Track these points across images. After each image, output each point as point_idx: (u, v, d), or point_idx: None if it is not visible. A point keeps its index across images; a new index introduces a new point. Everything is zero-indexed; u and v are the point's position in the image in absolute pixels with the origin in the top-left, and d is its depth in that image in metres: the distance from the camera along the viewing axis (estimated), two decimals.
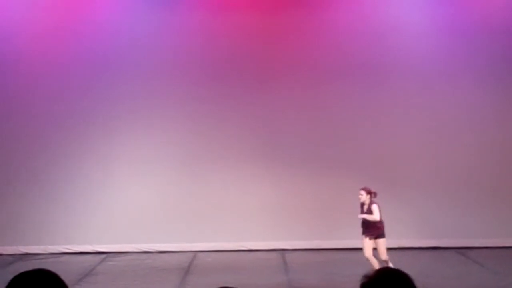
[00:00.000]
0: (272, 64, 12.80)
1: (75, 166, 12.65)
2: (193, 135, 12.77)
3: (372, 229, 9.50)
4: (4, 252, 12.35)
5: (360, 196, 9.60)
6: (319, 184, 12.64)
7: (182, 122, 12.85)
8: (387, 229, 9.55)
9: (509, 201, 12.53)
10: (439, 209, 12.59)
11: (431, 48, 12.83)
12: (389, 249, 9.58)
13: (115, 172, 12.69)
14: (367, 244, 9.54)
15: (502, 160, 12.76)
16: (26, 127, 12.67)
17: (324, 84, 12.77)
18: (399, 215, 11.81)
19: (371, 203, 9.54)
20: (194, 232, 12.52)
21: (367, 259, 9.43)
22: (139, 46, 12.76)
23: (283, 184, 12.68)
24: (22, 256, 12.22)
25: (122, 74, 12.74)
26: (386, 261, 9.40)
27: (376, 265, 9.09)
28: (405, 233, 11.99)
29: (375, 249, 9.54)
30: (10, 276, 2.36)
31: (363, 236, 9.56)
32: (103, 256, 12.21)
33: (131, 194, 12.57)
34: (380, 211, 9.50)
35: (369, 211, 9.53)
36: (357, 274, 2.56)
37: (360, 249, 9.70)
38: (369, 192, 9.58)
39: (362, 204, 9.64)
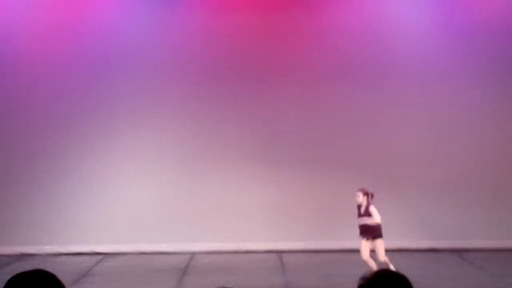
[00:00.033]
0: (272, 64, 12.80)
1: (74, 166, 12.64)
2: (193, 135, 12.77)
3: (370, 231, 9.48)
4: (1, 253, 12.30)
5: (357, 198, 9.57)
6: (318, 184, 12.64)
7: (182, 122, 12.84)
8: (385, 230, 9.53)
9: (508, 203, 12.52)
10: (438, 210, 12.59)
11: (431, 48, 12.83)
12: (387, 250, 9.56)
13: (113, 172, 12.69)
14: (365, 246, 9.51)
15: (502, 161, 12.76)
16: (26, 127, 12.67)
17: (324, 84, 12.77)
18: (398, 215, 11.81)
19: (368, 204, 9.50)
20: (192, 233, 12.51)
21: (365, 261, 9.41)
22: (139, 46, 12.77)
23: (283, 185, 12.67)
24: (19, 256, 12.17)
25: (122, 74, 12.74)
26: (385, 263, 9.35)
27: (374, 267, 9.04)
28: (403, 234, 11.98)
29: (373, 250, 9.52)
30: (7, 277, 2.36)
31: (361, 237, 9.54)
32: (101, 256, 12.19)
33: (130, 195, 12.56)
34: None
35: (367, 213, 9.48)
36: (355, 276, 2.56)
37: (358, 250, 9.69)
38: (366, 193, 9.54)
39: (359, 206, 9.60)
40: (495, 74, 12.77)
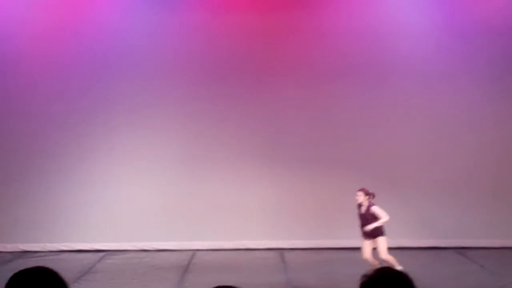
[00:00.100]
0: (272, 64, 12.80)
1: (74, 165, 12.66)
2: (193, 135, 12.78)
3: (371, 230, 9.46)
4: (3, 250, 12.38)
5: (357, 197, 9.55)
6: (318, 184, 12.65)
7: (182, 122, 12.85)
8: (386, 229, 9.52)
9: (508, 202, 12.54)
10: (439, 209, 12.60)
11: (431, 48, 12.83)
12: (388, 248, 9.55)
13: (114, 171, 12.70)
14: (366, 245, 9.51)
15: (502, 160, 12.77)
16: (26, 127, 12.68)
17: (324, 84, 12.78)
18: (398, 215, 11.77)
19: (369, 205, 9.49)
20: (193, 230, 12.53)
21: (366, 260, 9.40)
22: (139, 46, 12.77)
23: (283, 184, 12.69)
24: (21, 253, 12.24)
25: (122, 74, 12.74)
26: (386, 261, 9.34)
27: (376, 266, 9.04)
28: (404, 233, 11.98)
29: (375, 249, 9.52)
30: (10, 274, 2.37)
31: (363, 237, 9.54)
32: (102, 254, 12.23)
33: (131, 193, 12.58)
34: None
35: (368, 213, 9.45)
36: (357, 274, 2.57)
37: (359, 248, 9.69)
38: (367, 193, 9.51)
39: (359, 206, 9.59)
40: (495, 74, 12.77)
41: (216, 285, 2.52)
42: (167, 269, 10.94)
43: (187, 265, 11.28)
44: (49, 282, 2.32)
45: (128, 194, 12.58)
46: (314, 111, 12.83)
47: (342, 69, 12.78)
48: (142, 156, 12.68)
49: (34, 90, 12.76)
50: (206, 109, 12.77)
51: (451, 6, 12.91)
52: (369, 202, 9.49)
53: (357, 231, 9.68)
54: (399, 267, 8.30)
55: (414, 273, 2.63)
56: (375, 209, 9.42)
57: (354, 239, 10.01)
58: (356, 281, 2.45)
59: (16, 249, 12.40)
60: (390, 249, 9.65)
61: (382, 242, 9.41)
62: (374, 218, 9.45)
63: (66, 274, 2.53)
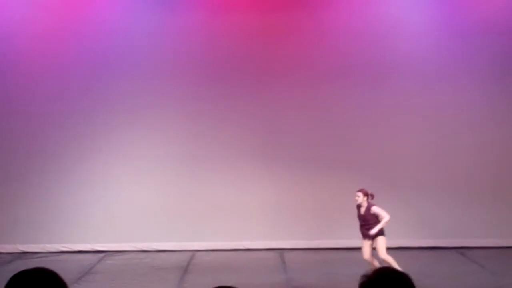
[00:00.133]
0: (272, 64, 12.80)
1: (74, 165, 12.66)
2: (193, 135, 12.78)
3: (369, 230, 9.45)
4: (2, 251, 12.38)
5: (357, 198, 9.54)
6: (318, 184, 12.65)
7: (182, 122, 12.85)
8: (386, 229, 9.52)
9: (509, 201, 12.54)
10: (439, 209, 12.59)
11: (431, 48, 12.83)
12: (388, 248, 9.55)
13: (114, 171, 12.70)
14: (366, 245, 9.51)
15: (502, 160, 12.77)
16: (26, 127, 12.68)
17: (324, 84, 12.78)
18: (398, 214, 11.76)
19: (369, 205, 9.49)
20: (193, 231, 12.54)
21: (367, 261, 9.40)
22: (139, 46, 12.77)
23: (283, 184, 12.69)
24: (21, 254, 12.24)
25: (122, 74, 12.74)
26: (384, 260, 9.32)
27: (376, 266, 9.04)
28: (404, 232, 11.98)
29: (375, 249, 9.52)
30: (9, 275, 2.37)
31: (363, 238, 9.54)
32: (102, 255, 12.23)
33: (130, 193, 12.58)
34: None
35: (368, 214, 9.45)
36: (356, 274, 2.57)
37: (358, 248, 9.70)
38: (366, 194, 9.51)
39: (359, 206, 9.59)
40: (495, 74, 12.77)
41: (216, 285, 2.52)
42: (167, 270, 10.94)
43: (187, 265, 11.28)
44: (49, 283, 2.32)
45: (128, 195, 12.58)
46: (314, 111, 12.83)
47: (342, 69, 12.78)
48: (142, 156, 12.68)
49: (34, 90, 12.76)
50: (206, 109, 12.77)
51: (451, 6, 12.91)
52: (369, 202, 9.49)
53: (357, 231, 9.67)
54: (397, 267, 8.29)
55: (414, 273, 2.63)
56: (376, 209, 9.42)
57: (354, 239, 10.01)
58: (356, 281, 2.45)
59: (15, 250, 12.39)
60: (390, 249, 9.65)
61: (381, 242, 9.41)
62: (374, 218, 9.45)
63: (65, 275, 2.53)
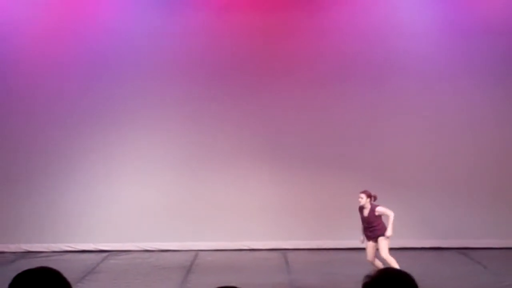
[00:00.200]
0: (273, 64, 12.80)
1: (77, 165, 12.65)
2: (193, 135, 12.78)
3: (373, 231, 9.47)
4: (6, 250, 12.38)
5: (360, 199, 9.53)
6: (320, 184, 12.65)
7: (182, 122, 12.85)
8: None
9: (510, 201, 12.52)
10: (440, 209, 12.59)
11: (431, 48, 12.82)
12: (390, 249, 9.55)
13: (116, 171, 12.70)
14: (370, 247, 9.51)
15: (503, 160, 12.77)
16: (27, 127, 12.68)
17: (324, 84, 12.78)
18: (399, 215, 11.70)
19: (372, 207, 9.48)
20: (196, 231, 12.54)
21: (371, 262, 9.40)
22: (139, 46, 12.76)
23: (284, 184, 12.68)
24: (24, 254, 12.24)
25: (123, 74, 12.74)
26: (385, 259, 9.31)
27: (380, 267, 9.03)
28: (405, 233, 11.96)
29: (378, 249, 9.52)
30: (13, 274, 2.36)
31: (366, 239, 9.55)
32: (105, 254, 12.23)
33: (133, 193, 12.58)
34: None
35: (372, 215, 9.45)
36: (359, 274, 2.56)
37: (361, 249, 9.70)
38: (369, 196, 9.50)
39: (362, 208, 9.59)
40: (495, 74, 12.77)
41: (219, 285, 2.52)
42: (170, 270, 10.94)
43: (190, 265, 11.29)
44: (52, 283, 2.32)
45: (131, 195, 12.58)
46: (314, 111, 12.82)
47: (342, 69, 12.78)
48: (144, 156, 12.68)
49: (34, 90, 12.75)
50: (206, 109, 12.77)
51: (451, 6, 12.90)
52: (372, 204, 9.49)
53: (358, 231, 9.68)
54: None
55: (416, 274, 2.62)
56: (381, 209, 9.44)
57: (355, 239, 9.99)
58: (358, 281, 2.45)
59: (19, 250, 12.40)
60: (392, 249, 9.65)
61: (382, 241, 9.40)
62: (379, 219, 9.46)
63: (69, 274, 2.53)
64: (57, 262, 10.59)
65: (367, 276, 2.42)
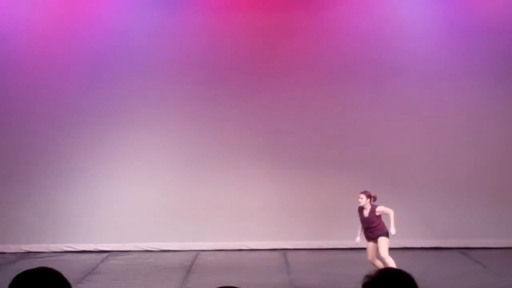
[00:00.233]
0: (273, 64, 12.80)
1: (76, 165, 12.65)
2: (193, 135, 12.78)
3: (373, 232, 9.47)
4: (6, 251, 12.38)
5: (360, 200, 9.53)
6: (320, 184, 12.65)
7: (182, 122, 12.85)
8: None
9: (510, 201, 12.52)
10: (441, 209, 12.59)
11: (431, 48, 12.83)
12: (390, 249, 9.54)
13: (116, 171, 12.70)
14: (371, 247, 9.51)
15: (503, 160, 12.77)
16: (27, 127, 12.68)
17: (324, 84, 12.78)
18: (399, 215, 11.70)
19: (372, 207, 9.48)
20: (196, 231, 12.54)
21: (371, 262, 9.40)
22: (139, 46, 12.76)
23: (284, 184, 12.68)
24: (24, 254, 12.25)
25: (123, 74, 12.74)
26: (383, 259, 9.30)
27: (380, 267, 9.02)
28: (406, 233, 11.91)
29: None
30: (13, 275, 2.36)
31: (367, 240, 9.55)
32: (105, 254, 12.23)
33: (133, 193, 12.58)
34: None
35: (373, 216, 9.45)
36: (359, 274, 2.56)
37: (362, 249, 9.70)
38: (369, 196, 9.50)
39: (362, 208, 9.59)
40: (495, 74, 12.77)
41: (219, 285, 2.52)
42: (170, 270, 10.95)
43: (190, 265, 11.29)
44: (53, 283, 2.32)
45: (131, 195, 12.58)
46: (314, 111, 12.82)
47: (342, 69, 12.78)
48: (144, 156, 12.68)
49: (34, 90, 12.76)
50: (206, 109, 12.77)
51: (451, 6, 12.90)
52: (372, 204, 9.49)
53: (355, 232, 9.69)
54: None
55: (416, 274, 2.63)
56: (381, 208, 9.44)
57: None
58: (358, 281, 2.45)
59: (19, 250, 12.40)
60: (392, 249, 9.64)
61: (384, 242, 9.39)
62: (379, 219, 9.46)
63: (69, 274, 2.53)
64: (57, 263, 10.60)
65: (367, 276, 2.42)
